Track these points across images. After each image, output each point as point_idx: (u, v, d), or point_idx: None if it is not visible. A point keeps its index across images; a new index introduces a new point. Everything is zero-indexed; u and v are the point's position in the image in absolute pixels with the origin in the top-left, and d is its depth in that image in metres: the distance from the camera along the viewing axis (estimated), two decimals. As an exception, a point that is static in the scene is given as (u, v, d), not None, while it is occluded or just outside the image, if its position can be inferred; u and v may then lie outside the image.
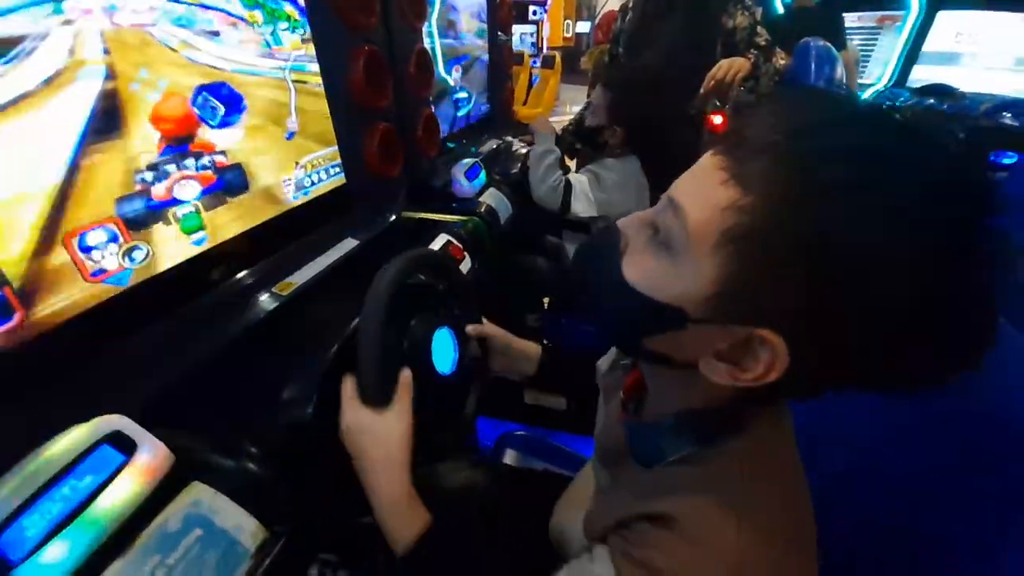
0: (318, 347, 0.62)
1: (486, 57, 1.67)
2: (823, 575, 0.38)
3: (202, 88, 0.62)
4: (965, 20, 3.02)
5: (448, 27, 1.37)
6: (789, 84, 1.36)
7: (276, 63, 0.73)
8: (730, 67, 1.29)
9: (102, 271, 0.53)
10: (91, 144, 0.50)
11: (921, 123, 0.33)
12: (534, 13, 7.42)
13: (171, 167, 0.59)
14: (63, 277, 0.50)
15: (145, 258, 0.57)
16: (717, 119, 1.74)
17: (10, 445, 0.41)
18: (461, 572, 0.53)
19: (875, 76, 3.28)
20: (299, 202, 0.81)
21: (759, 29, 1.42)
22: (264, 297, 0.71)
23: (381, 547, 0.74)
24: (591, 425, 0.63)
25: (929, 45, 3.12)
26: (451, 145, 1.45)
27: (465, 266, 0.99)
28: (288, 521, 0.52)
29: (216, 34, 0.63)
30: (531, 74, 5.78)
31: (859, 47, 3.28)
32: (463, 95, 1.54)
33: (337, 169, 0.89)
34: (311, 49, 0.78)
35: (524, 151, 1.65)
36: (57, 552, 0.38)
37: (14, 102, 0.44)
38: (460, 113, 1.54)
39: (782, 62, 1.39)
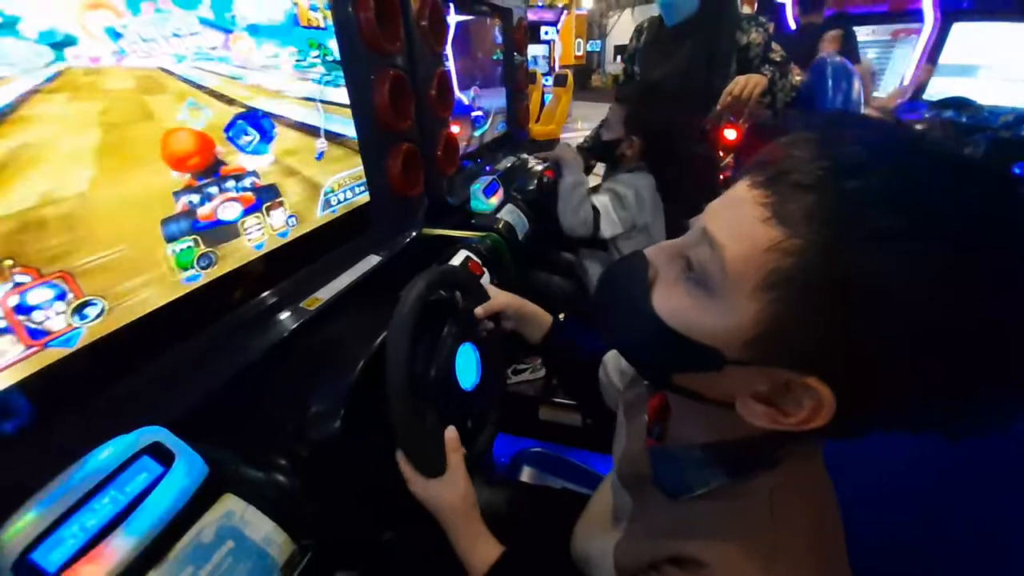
0: (345, 362, 0.63)
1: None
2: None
3: (238, 117, 0.65)
4: (981, 32, 3.00)
5: (465, 49, 1.41)
6: (800, 102, 1.36)
7: (307, 88, 0.76)
8: (747, 83, 1.30)
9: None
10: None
11: (978, 159, 0.30)
12: (546, 33, 7.57)
13: (214, 189, 0.62)
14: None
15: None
16: (730, 134, 1.74)
17: (55, 455, 0.42)
18: None
19: (891, 89, 3.27)
20: (326, 219, 0.83)
21: (774, 45, 1.43)
22: (292, 312, 0.73)
23: (399, 564, 0.75)
24: (606, 442, 0.63)
25: (945, 57, 3.10)
26: (468, 164, 1.48)
27: (485, 281, 1.00)
28: (315, 534, 0.53)
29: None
30: (543, 92, 5.87)
31: (874, 61, 3.27)
32: (479, 114, 1.58)
33: (362, 188, 0.91)
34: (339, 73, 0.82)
35: (540, 168, 1.67)
36: (94, 565, 0.39)
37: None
38: (477, 133, 1.57)
39: (798, 78, 1.40)
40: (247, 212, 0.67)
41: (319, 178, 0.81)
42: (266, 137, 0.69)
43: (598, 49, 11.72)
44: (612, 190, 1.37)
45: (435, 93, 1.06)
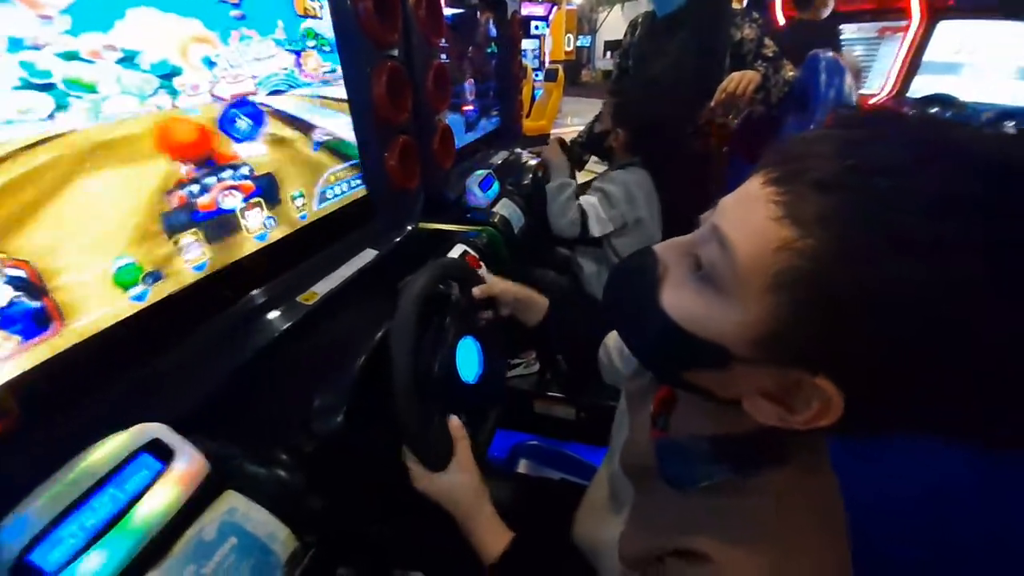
0: (347, 356, 0.62)
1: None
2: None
3: (231, 106, 0.64)
4: (965, 30, 3.04)
5: (458, 43, 1.40)
6: (793, 97, 1.37)
7: (304, 78, 0.74)
8: (741, 79, 1.31)
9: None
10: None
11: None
12: (536, 28, 7.54)
13: (211, 179, 0.61)
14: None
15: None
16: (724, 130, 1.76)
17: (51, 453, 0.41)
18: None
19: (876, 87, 3.31)
20: (323, 213, 0.82)
21: (766, 41, 1.44)
22: (288, 307, 0.72)
23: (401, 560, 0.74)
24: (600, 435, 0.63)
25: (930, 55, 3.15)
26: (463, 158, 1.47)
27: (482, 275, 1.00)
28: (318, 530, 0.52)
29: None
30: (534, 87, 5.85)
31: (860, 58, 3.31)
32: (474, 108, 1.56)
33: (359, 181, 0.90)
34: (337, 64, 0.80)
35: (534, 162, 1.67)
36: (94, 563, 0.38)
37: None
38: (472, 126, 1.56)
39: (790, 74, 1.41)
40: (248, 200, 0.66)
41: (316, 170, 0.80)
42: (258, 124, 0.68)
43: (588, 45, 11.71)
44: (601, 189, 1.37)
45: (432, 85, 1.05)
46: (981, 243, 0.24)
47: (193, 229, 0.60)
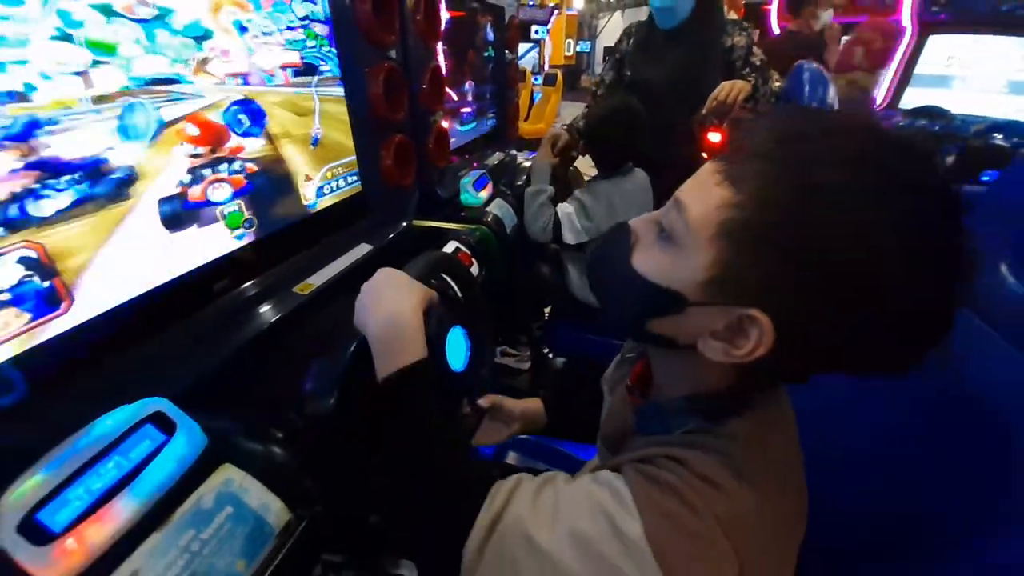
0: (340, 343, 0.65)
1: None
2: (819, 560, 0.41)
3: (233, 103, 0.67)
4: (956, 44, 3.10)
5: (456, 46, 1.43)
6: (785, 104, 1.42)
7: (304, 78, 0.77)
8: (732, 88, 1.35)
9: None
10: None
11: (906, 134, 0.35)
12: (536, 32, 7.59)
13: (207, 171, 0.64)
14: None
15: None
16: (714, 136, 1.80)
17: (60, 424, 0.44)
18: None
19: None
20: (319, 207, 0.85)
21: (755, 49, 1.49)
22: (285, 296, 0.74)
23: (388, 549, 0.77)
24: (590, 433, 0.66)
25: (921, 68, 3.21)
26: (457, 159, 1.50)
27: (473, 272, 1.03)
28: (309, 505, 0.55)
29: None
30: (532, 91, 5.89)
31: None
32: (470, 110, 1.60)
33: (355, 178, 0.93)
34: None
35: (528, 164, 1.70)
36: (99, 525, 0.41)
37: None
38: (467, 127, 1.59)
39: (778, 84, 1.46)
40: (237, 195, 0.69)
41: (313, 165, 0.83)
42: (258, 122, 0.71)
43: (588, 50, 11.79)
44: (579, 200, 1.40)
45: (428, 86, 1.09)
46: (873, 188, 0.32)
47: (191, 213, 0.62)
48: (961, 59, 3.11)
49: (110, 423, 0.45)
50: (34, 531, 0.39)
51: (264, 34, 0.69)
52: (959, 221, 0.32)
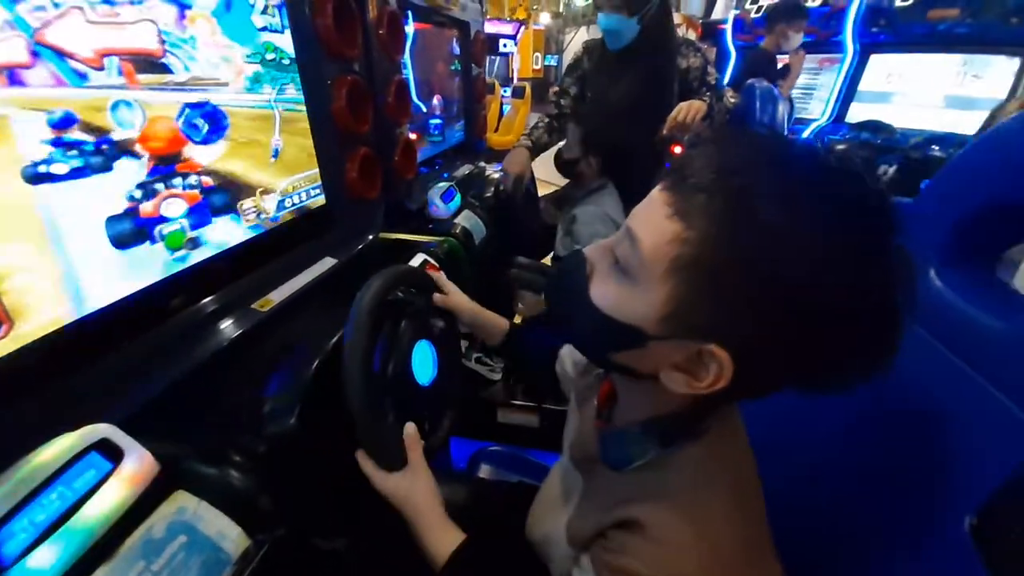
0: (302, 359, 0.64)
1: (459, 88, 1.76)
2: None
3: (187, 105, 0.64)
4: (895, 62, 3.32)
5: (425, 60, 1.44)
6: (733, 123, 1.50)
7: (263, 94, 0.76)
8: (689, 109, 1.42)
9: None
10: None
11: (841, 156, 0.36)
12: (504, 46, 7.69)
13: (159, 186, 0.62)
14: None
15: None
16: (678, 151, 1.87)
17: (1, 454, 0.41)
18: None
19: (817, 112, 3.57)
20: (280, 221, 0.83)
21: (709, 69, 1.57)
22: (243, 313, 0.72)
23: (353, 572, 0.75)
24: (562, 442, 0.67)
25: (864, 85, 3.42)
26: (426, 170, 1.50)
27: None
28: (270, 530, 0.53)
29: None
30: (502, 103, 5.95)
31: (803, 86, 3.57)
32: (438, 122, 1.61)
33: (318, 191, 0.92)
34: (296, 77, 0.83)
35: (497, 175, 1.72)
36: (44, 557, 0.39)
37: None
38: (435, 139, 1.60)
39: (732, 100, 1.53)
40: (192, 211, 0.67)
41: (274, 178, 0.81)
42: (216, 128, 0.69)
43: (555, 63, 12.01)
44: (570, 234, 1.50)
45: (393, 100, 1.09)
46: (815, 218, 0.32)
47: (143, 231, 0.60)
48: (901, 76, 3.34)
49: (52, 452, 0.43)
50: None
51: (223, 45, 0.68)
52: (900, 243, 0.34)
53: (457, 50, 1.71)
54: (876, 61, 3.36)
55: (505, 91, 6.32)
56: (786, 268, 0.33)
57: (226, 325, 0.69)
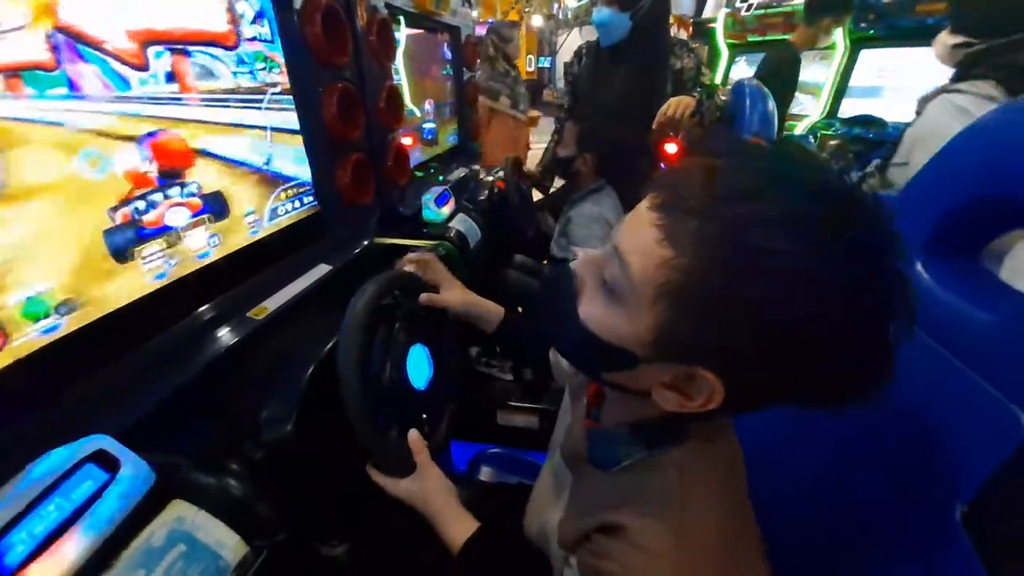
0: (298, 366, 0.64)
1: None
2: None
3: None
4: (885, 57, 3.34)
5: (417, 64, 1.45)
6: (723, 121, 1.50)
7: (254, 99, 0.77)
8: (678, 104, 1.43)
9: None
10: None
11: (843, 176, 0.34)
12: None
13: (158, 196, 0.62)
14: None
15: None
16: (671, 148, 1.87)
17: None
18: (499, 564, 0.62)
19: (810, 108, 3.59)
20: (274, 229, 0.84)
21: (703, 69, 1.58)
22: (238, 322, 0.73)
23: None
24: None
25: (855, 80, 3.44)
26: (420, 174, 1.51)
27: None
28: (269, 536, 0.53)
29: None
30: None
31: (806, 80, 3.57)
32: (432, 126, 1.61)
33: (311, 198, 0.93)
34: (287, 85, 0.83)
35: (491, 179, 1.72)
36: (44, 568, 0.39)
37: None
38: (430, 143, 1.61)
39: (723, 98, 1.54)
40: (196, 216, 0.67)
41: (266, 187, 0.82)
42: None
43: (549, 65, 12.05)
44: (565, 235, 1.51)
45: (384, 105, 1.09)
46: (814, 251, 0.31)
47: (143, 245, 0.61)
48: (891, 70, 3.35)
49: (48, 465, 0.43)
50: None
51: (213, 57, 0.69)
52: (896, 266, 0.32)
53: (449, 55, 1.72)
54: (866, 56, 3.38)
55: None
56: (776, 299, 0.32)
57: (221, 334, 0.69)
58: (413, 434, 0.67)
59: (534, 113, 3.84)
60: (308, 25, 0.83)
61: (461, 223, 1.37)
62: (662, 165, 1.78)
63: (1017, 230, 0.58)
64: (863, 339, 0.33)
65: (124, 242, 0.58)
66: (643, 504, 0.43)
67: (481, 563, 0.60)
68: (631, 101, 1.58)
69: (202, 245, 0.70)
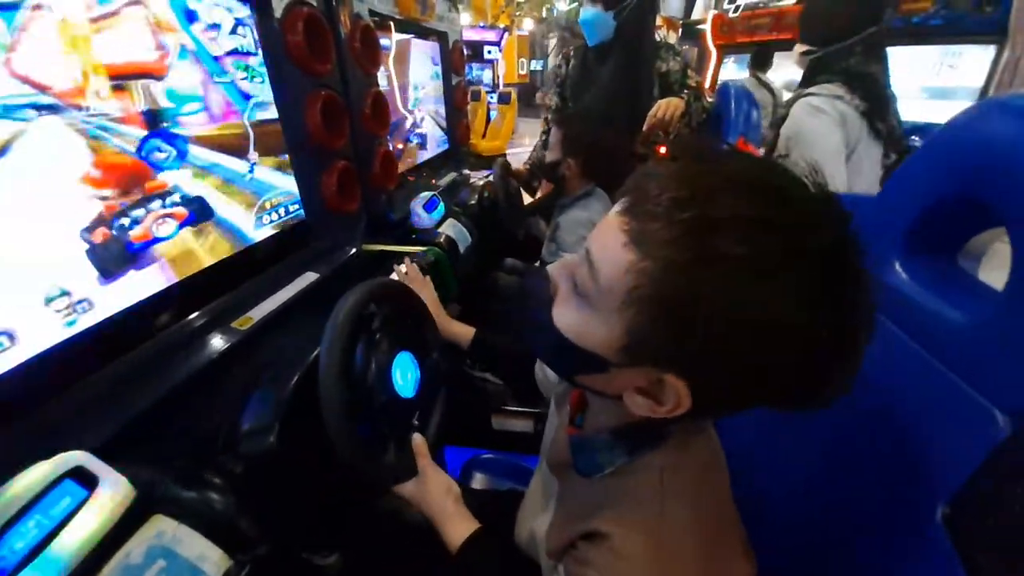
0: (280, 378, 0.64)
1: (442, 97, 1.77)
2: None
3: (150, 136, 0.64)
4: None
5: (406, 70, 1.45)
6: (710, 123, 1.51)
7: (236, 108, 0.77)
8: (667, 107, 1.44)
9: (61, 312, 0.54)
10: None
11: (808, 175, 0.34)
12: (488, 52, 7.74)
13: (140, 211, 0.62)
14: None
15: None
16: (664, 150, 1.89)
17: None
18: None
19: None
20: (259, 238, 0.84)
21: (689, 72, 1.59)
22: (222, 333, 0.72)
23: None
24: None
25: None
26: (410, 179, 1.51)
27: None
28: (251, 549, 0.53)
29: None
30: (488, 109, 5.99)
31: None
32: (421, 131, 1.61)
33: (296, 206, 0.92)
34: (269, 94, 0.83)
35: (481, 183, 1.73)
36: (22, 588, 0.39)
37: None
38: (418, 148, 1.61)
39: (710, 100, 1.55)
40: (182, 226, 0.67)
41: (251, 196, 0.81)
42: (182, 152, 0.69)
43: (541, 68, 12.11)
44: (555, 241, 1.50)
45: (370, 112, 1.09)
46: (772, 254, 0.31)
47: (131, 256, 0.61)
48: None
49: (26, 481, 0.43)
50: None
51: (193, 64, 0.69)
52: (860, 268, 0.32)
53: (437, 60, 1.73)
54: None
55: (491, 98, 6.36)
56: (741, 305, 0.31)
57: (204, 346, 0.68)
58: (417, 438, 0.68)
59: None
60: (290, 34, 0.83)
61: (451, 228, 1.37)
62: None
63: (993, 229, 0.59)
64: (824, 342, 0.33)
65: (113, 258, 0.58)
66: (625, 510, 0.43)
67: (480, 563, 0.61)
68: (616, 102, 1.59)
69: (190, 256, 0.70)
